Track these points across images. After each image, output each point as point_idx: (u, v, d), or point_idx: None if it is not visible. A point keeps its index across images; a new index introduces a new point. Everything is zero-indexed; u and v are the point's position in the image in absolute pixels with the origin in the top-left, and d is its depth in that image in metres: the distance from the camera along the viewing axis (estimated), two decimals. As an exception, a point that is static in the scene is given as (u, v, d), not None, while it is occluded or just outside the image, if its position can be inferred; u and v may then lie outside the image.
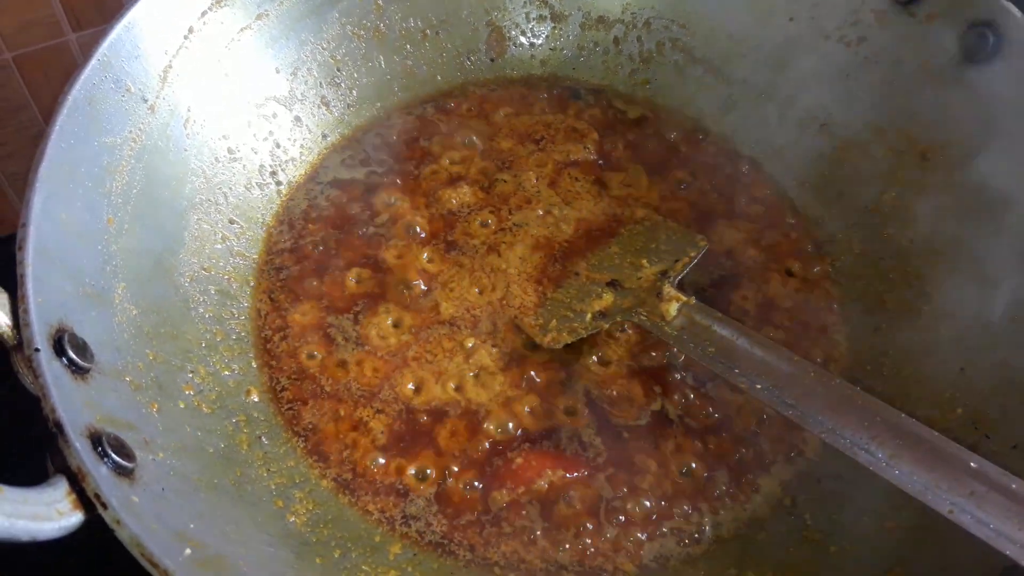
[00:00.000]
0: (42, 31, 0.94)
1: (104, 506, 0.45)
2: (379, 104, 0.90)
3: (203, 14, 0.74)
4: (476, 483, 0.66)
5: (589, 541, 0.64)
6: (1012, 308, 0.67)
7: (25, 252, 0.52)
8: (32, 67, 0.96)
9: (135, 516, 0.46)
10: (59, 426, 0.47)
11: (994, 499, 0.51)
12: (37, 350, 0.49)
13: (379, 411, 0.70)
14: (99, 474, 0.46)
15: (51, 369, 0.49)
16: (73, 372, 0.51)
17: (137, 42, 0.67)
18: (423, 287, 0.76)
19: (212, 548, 0.51)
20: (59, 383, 0.49)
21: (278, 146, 0.82)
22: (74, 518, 0.45)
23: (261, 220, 0.79)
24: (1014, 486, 0.51)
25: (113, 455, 0.49)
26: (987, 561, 0.52)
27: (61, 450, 0.46)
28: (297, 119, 0.84)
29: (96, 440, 0.48)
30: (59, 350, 0.51)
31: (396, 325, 0.74)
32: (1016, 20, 0.68)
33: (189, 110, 0.73)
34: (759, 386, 0.62)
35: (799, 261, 0.81)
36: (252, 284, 0.76)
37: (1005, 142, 0.70)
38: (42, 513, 0.43)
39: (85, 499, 0.45)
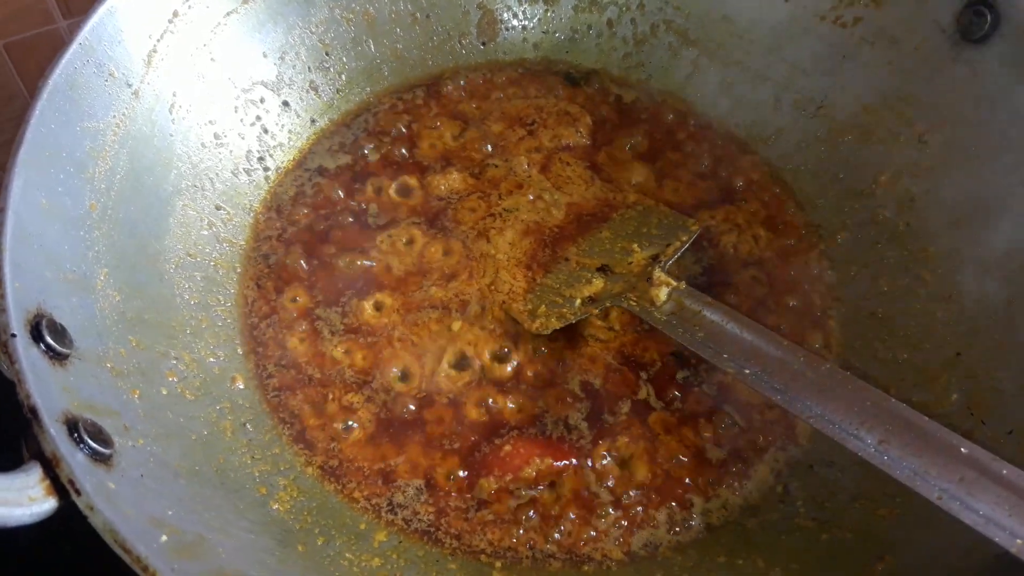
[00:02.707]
0: (33, 18, 0.93)
1: (78, 492, 0.45)
2: (369, 89, 0.88)
3: (188, -2, 0.73)
4: (463, 471, 0.66)
5: (577, 528, 0.64)
6: (1008, 292, 0.66)
7: (3, 237, 0.52)
8: (23, 55, 0.95)
9: (110, 502, 0.46)
10: (34, 412, 0.46)
11: (984, 485, 0.50)
12: (13, 335, 0.49)
13: (368, 399, 0.69)
14: (74, 460, 0.46)
15: (27, 355, 0.48)
16: (51, 358, 0.51)
17: (120, 26, 0.66)
18: (411, 273, 0.75)
19: (190, 535, 0.51)
20: (35, 369, 0.48)
21: (266, 131, 0.81)
22: (47, 504, 0.45)
23: (248, 206, 0.79)
24: (1005, 472, 0.50)
25: (90, 441, 0.48)
26: (979, 548, 0.51)
27: (36, 436, 0.46)
28: (285, 104, 0.83)
29: (72, 426, 0.48)
30: (36, 336, 0.50)
31: (383, 311, 0.73)
32: (1014, -2, 0.67)
33: (174, 95, 0.72)
34: (747, 371, 0.61)
35: (794, 245, 0.79)
36: (239, 271, 0.75)
37: (1002, 122, 0.68)
38: (12, 499, 0.43)
39: (59, 485, 0.45)
